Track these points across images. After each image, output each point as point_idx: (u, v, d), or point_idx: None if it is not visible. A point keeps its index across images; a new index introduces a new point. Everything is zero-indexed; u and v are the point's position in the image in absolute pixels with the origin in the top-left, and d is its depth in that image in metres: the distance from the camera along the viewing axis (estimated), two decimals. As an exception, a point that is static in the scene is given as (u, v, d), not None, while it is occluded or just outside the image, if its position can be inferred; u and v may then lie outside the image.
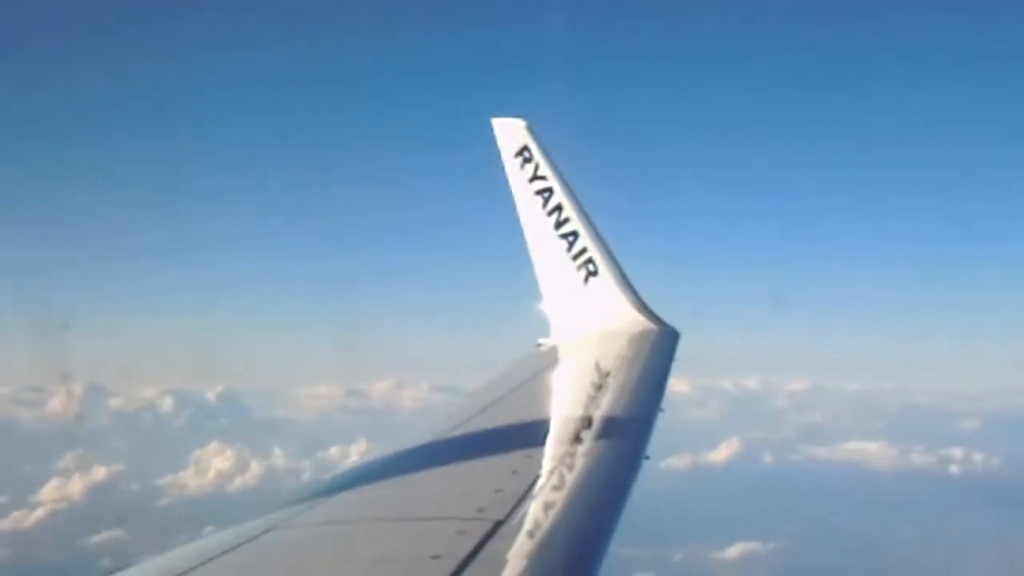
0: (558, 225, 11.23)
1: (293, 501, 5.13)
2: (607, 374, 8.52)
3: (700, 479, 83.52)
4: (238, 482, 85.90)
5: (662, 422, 6.86)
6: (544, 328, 11.27)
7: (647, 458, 5.82)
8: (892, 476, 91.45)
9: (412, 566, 3.76)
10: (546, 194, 11.30)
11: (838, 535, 66.90)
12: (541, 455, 5.60)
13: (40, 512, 70.74)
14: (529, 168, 11.36)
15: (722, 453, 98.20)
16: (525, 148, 11.37)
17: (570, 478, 5.06)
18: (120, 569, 4.29)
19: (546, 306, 11.41)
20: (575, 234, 11.18)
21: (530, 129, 11.42)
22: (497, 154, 11.53)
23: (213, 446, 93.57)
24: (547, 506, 4.54)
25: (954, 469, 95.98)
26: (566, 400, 8.35)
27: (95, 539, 63.86)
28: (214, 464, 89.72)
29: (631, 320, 10.84)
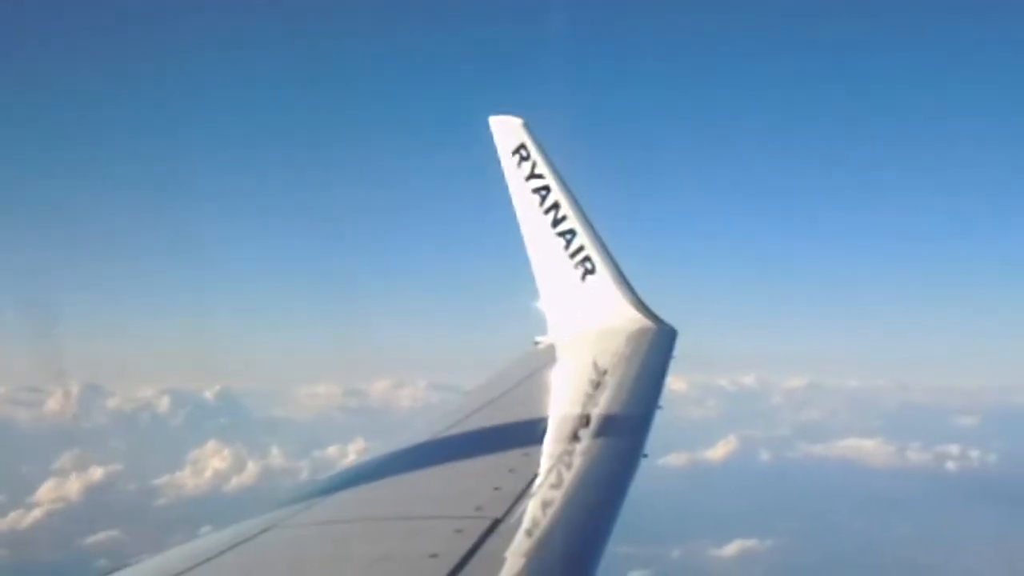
0: (555, 223, 11.22)
1: (291, 500, 5.12)
2: (605, 372, 8.51)
3: (698, 477, 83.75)
4: (235, 482, 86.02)
5: (660, 420, 6.86)
6: (541, 326, 11.26)
7: (645, 456, 5.82)
8: (889, 473, 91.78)
9: (410, 565, 3.75)
10: (543, 192, 11.28)
11: (835, 532, 67.11)
12: (539, 453, 5.58)
13: (37, 512, 70.78)
14: (526, 166, 11.35)
15: (720, 451, 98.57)
16: (522, 146, 11.36)
17: (568, 476, 5.05)
18: (117, 569, 4.29)
19: (543, 304, 11.39)
20: (572, 232, 11.17)
21: (527, 127, 11.40)
22: (494, 152, 11.53)
23: (210, 446, 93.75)
24: (545, 504, 4.53)
25: (951, 466, 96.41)
26: (564, 398, 8.33)
27: (92, 539, 63.93)
28: (211, 464, 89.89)
29: (629, 318, 10.83)
